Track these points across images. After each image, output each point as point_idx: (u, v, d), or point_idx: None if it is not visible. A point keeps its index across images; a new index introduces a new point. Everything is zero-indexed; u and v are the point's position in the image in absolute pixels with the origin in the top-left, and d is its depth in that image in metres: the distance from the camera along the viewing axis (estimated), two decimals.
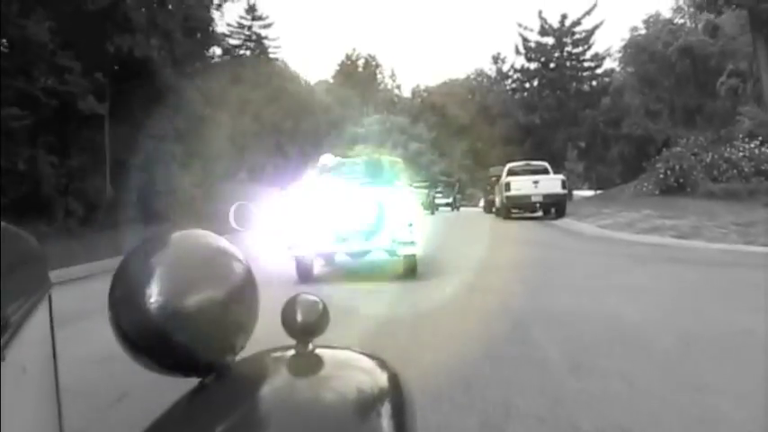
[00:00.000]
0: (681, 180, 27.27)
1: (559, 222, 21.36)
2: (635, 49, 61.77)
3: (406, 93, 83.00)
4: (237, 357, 0.88)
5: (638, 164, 58.52)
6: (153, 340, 0.81)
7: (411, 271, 9.54)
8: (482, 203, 38.24)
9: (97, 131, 19.98)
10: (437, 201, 41.24)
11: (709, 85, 57.10)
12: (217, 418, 0.76)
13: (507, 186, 23.05)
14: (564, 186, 22.92)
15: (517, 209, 23.91)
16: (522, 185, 22.86)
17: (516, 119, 61.26)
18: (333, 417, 0.76)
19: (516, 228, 20.32)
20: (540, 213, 25.27)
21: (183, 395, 0.83)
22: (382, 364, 0.90)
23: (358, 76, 78.94)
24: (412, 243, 9.26)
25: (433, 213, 34.59)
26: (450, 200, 45.95)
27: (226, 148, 36.04)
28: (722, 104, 53.57)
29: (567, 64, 60.65)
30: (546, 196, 22.84)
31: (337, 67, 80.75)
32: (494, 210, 28.73)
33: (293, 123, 72.87)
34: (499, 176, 27.88)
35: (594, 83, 61.17)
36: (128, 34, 18.88)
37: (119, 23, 18.59)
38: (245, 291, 0.88)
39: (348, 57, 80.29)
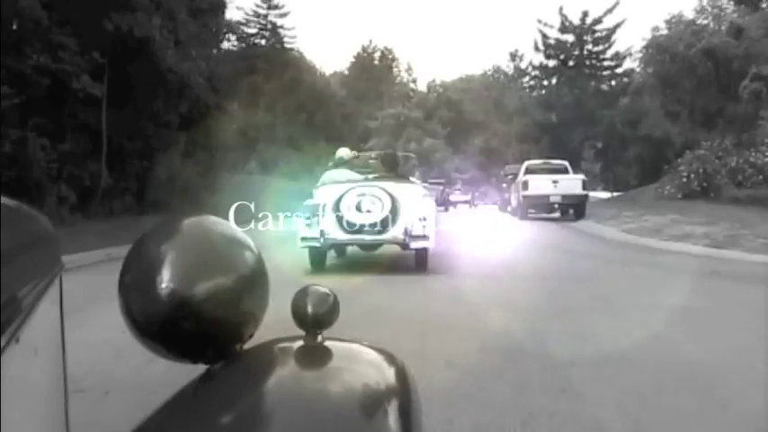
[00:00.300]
0: (704, 184, 26.05)
1: (579, 225, 20.06)
2: (656, 50, 60.05)
3: (422, 87, 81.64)
4: (246, 345, 0.88)
5: (655, 166, 57.07)
6: (162, 326, 0.81)
7: (422, 265, 9.56)
8: (497, 202, 37.09)
9: (93, 114, 18.72)
10: (454, 198, 42.64)
11: (731, 89, 55.46)
12: (223, 406, 0.75)
13: (525, 185, 21.73)
14: (584, 187, 21.62)
15: (534, 209, 22.62)
16: (540, 185, 21.57)
17: (533, 117, 59.87)
18: (339, 409, 0.76)
19: (534, 229, 19.02)
20: (557, 214, 23.97)
21: (190, 381, 0.83)
22: (390, 358, 0.90)
23: (374, 69, 77.56)
24: (425, 237, 9.32)
25: (446, 210, 34.36)
26: (468, 197, 46.22)
27: (233, 137, 34.89)
28: (744, 108, 51.97)
29: (587, 62, 59.29)
30: (565, 197, 21.55)
31: (353, 59, 79.37)
32: (509, 209, 27.41)
33: (308, 116, 71.84)
34: (515, 174, 26.60)
35: (614, 82, 59.73)
36: (128, 12, 17.62)
37: (118, 0, 17.34)
38: (255, 279, 0.89)
39: (364, 49, 78.94)
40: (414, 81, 78.38)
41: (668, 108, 58.48)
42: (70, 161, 17.96)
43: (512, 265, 10.84)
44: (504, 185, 29.17)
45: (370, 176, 10.39)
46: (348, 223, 9.32)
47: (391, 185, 9.64)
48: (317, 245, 9.44)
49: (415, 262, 9.64)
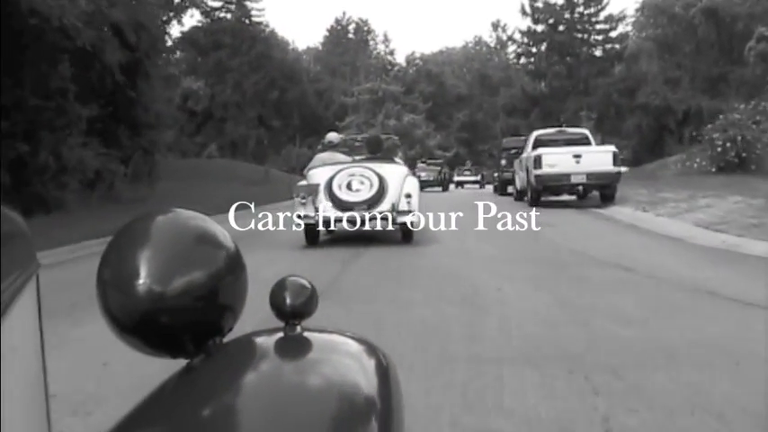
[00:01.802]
0: (743, 154, 20.70)
1: (615, 214, 14.31)
2: (652, 12, 54.45)
3: (401, 61, 75.31)
4: (225, 339, 0.87)
5: (655, 137, 51.82)
6: (140, 321, 0.80)
7: (409, 237, 10.03)
8: (489, 183, 31.16)
9: None
10: (461, 179, 42.34)
11: (735, 51, 50.28)
12: (204, 400, 0.75)
13: (537, 161, 15.89)
14: (615, 162, 15.85)
15: (551, 192, 16.83)
16: (558, 160, 15.79)
17: (520, 87, 54.19)
18: (318, 400, 0.75)
19: (555, 222, 13.23)
20: (567, 197, 18.29)
21: (170, 376, 0.82)
22: (371, 348, 0.88)
23: (349, 43, 71.28)
24: (410, 212, 9.72)
25: (445, 190, 33.50)
26: (477, 177, 43.61)
27: (171, 114, 28.99)
28: (752, 71, 46.63)
29: (578, 26, 53.67)
30: (591, 175, 15.76)
31: (326, 33, 73.03)
32: (511, 191, 21.60)
33: (279, 93, 65.69)
34: (518, 149, 20.91)
35: (608, 47, 54.02)
36: None
37: None
38: (233, 272, 0.87)
39: (338, 21, 72.44)
40: (391, 53, 72.14)
41: (667, 74, 53.06)
42: None
43: (542, 316, 5.06)
44: (504, 163, 23.29)
45: (357, 158, 10.88)
46: (340, 201, 9.67)
47: (378, 166, 10.04)
48: (312, 222, 9.76)
49: (402, 235, 10.08)
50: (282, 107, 66.25)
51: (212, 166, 38.15)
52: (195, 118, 62.67)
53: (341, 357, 0.86)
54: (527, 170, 16.99)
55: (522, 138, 24.45)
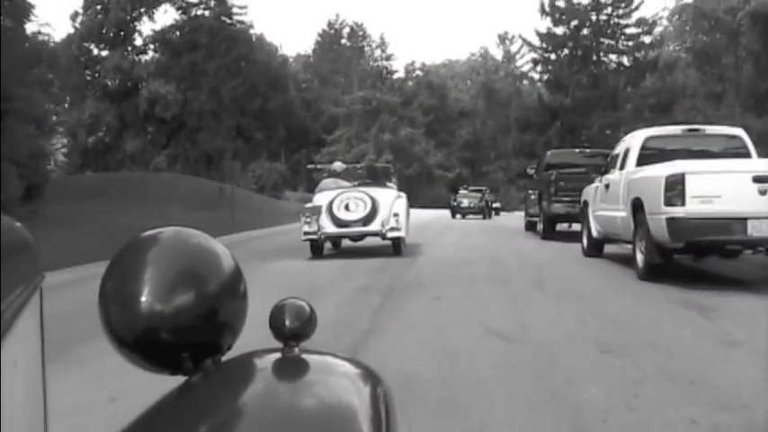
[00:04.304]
0: None
1: None
2: (691, 15, 45.97)
3: (399, 71, 66.40)
4: (224, 357, 0.87)
5: None
6: (141, 338, 0.81)
7: (398, 250, 11.32)
8: (523, 216, 21.14)
9: None
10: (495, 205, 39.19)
11: None
12: (200, 417, 0.75)
13: (673, 188, 7.10)
14: None
15: (698, 251, 7.75)
16: (721, 188, 7.06)
17: (537, 99, 45.67)
18: (314, 421, 0.75)
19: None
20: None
21: (168, 393, 0.81)
22: (367, 372, 0.87)
23: (341, 48, 62.46)
24: (398, 229, 11.15)
25: (486, 218, 31.74)
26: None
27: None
28: None
29: (605, 30, 45.20)
30: None
31: (318, 38, 64.20)
32: (584, 241, 11.83)
33: (262, 102, 56.84)
34: (576, 167, 12.22)
35: (638, 55, 45.50)
36: None
37: None
38: (233, 291, 0.88)
39: (330, 25, 63.52)
40: (388, 59, 62.90)
41: (709, 88, 44.59)
42: None
43: None
44: (553, 189, 13.82)
45: (356, 183, 12.66)
46: (339, 220, 11.20)
47: (372, 190, 11.70)
48: (316, 237, 11.21)
49: (392, 249, 11.37)
50: (266, 117, 57.48)
51: (152, 182, 29.33)
52: (164, 127, 54.07)
53: (337, 379, 0.85)
54: (635, 206, 8.15)
55: (579, 150, 15.68)
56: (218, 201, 26.24)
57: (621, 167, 9.41)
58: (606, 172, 10.22)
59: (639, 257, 8.09)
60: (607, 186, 9.83)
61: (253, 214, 23.24)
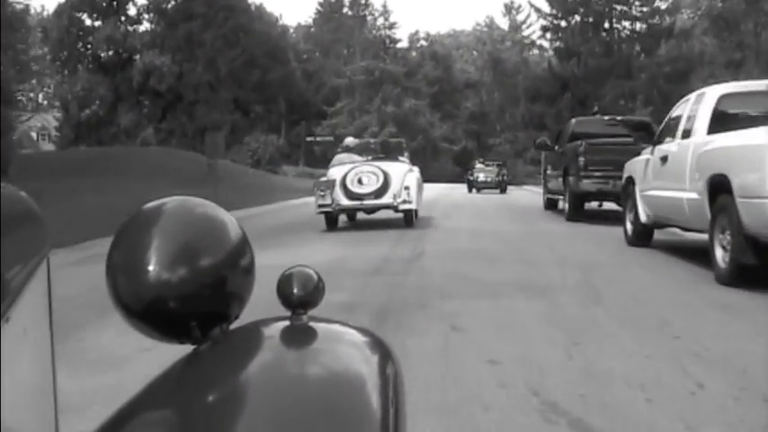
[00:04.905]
0: None
1: None
2: None
3: (403, 38, 63.90)
4: (232, 326, 0.86)
5: None
6: (149, 306, 0.81)
7: (409, 222, 11.72)
8: (540, 190, 19.08)
9: None
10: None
11: None
12: (209, 386, 0.75)
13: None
14: None
15: None
16: None
17: (548, 67, 43.47)
18: (322, 388, 0.75)
19: None
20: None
21: (176, 361, 0.81)
22: (375, 340, 0.87)
23: (343, 18, 60.02)
24: (410, 201, 11.48)
25: (502, 192, 30.80)
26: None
27: None
28: None
29: None
30: None
31: (319, 7, 61.75)
32: (626, 227, 9.80)
33: (261, 73, 54.63)
34: (608, 138, 10.32)
35: (653, 21, 43.19)
36: None
37: None
38: (241, 259, 0.87)
39: None
40: (391, 27, 60.37)
41: (727, 55, 42.30)
42: None
43: None
44: (582, 162, 11.67)
45: (369, 158, 12.64)
46: (352, 193, 11.50)
47: (384, 164, 11.88)
48: (330, 210, 11.57)
49: (404, 221, 11.70)
50: (265, 89, 55.30)
51: (140, 157, 27.37)
52: (160, 100, 51.95)
53: (345, 348, 0.85)
54: (713, 186, 6.15)
55: (609, 118, 13.66)
56: (209, 176, 24.24)
57: (685, 136, 7.39)
58: (660, 142, 8.19)
59: (720, 255, 6.06)
60: (663, 159, 7.79)
61: (242, 191, 21.24)
